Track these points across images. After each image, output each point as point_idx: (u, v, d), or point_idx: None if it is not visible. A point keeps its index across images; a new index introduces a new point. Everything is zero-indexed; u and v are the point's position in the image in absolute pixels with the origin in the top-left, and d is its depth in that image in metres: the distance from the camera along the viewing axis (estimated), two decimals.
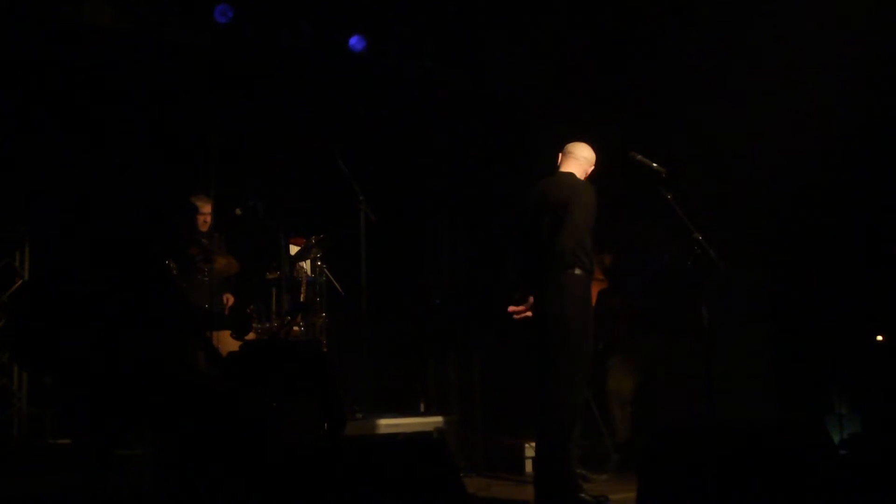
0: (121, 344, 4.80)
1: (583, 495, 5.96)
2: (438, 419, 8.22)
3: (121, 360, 4.76)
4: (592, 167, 6.26)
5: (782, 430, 4.94)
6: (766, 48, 7.75)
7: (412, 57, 9.06)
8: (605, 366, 7.77)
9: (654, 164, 6.04)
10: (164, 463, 4.88)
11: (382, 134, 9.04)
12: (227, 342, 6.99)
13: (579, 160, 6.24)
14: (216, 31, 8.19)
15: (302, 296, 8.10)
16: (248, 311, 7.43)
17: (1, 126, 7.52)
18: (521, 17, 8.41)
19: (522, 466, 7.82)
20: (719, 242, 6.00)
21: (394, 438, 7.58)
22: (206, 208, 7.97)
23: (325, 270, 8.25)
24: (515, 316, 6.06)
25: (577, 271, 5.90)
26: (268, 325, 7.66)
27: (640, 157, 6.09)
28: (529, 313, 5.98)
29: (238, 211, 7.86)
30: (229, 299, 8.22)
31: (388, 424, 7.78)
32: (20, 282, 7.76)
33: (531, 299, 5.99)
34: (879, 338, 7.79)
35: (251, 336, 7.17)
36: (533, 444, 7.34)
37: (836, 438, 7.07)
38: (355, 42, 8.70)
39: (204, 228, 7.99)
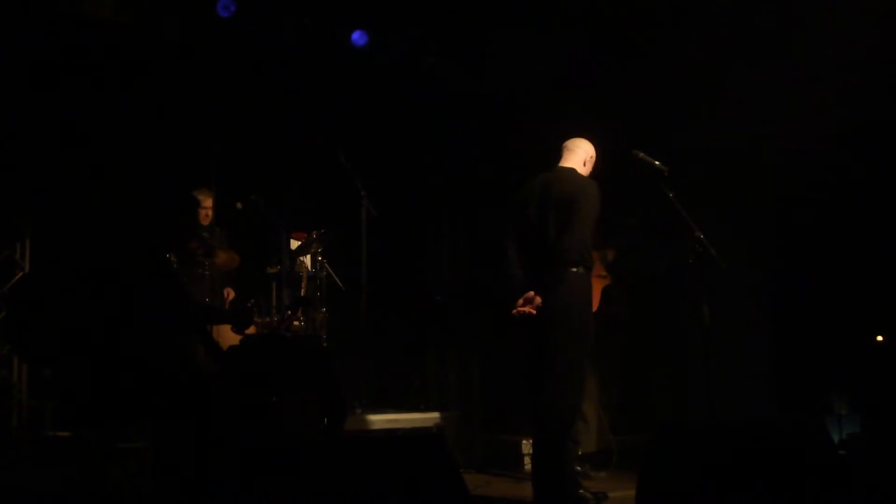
0: (121, 337, 4.80)
1: (582, 492, 5.98)
2: (438, 415, 8.22)
3: (121, 354, 4.77)
4: (593, 162, 6.25)
5: (782, 430, 4.94)
6: (768, 47, 7.74)
7: (414, 53, 9.06)
8: None
9: (657, 163, 6.05)
10: (165, 456, 4.88)
11: (384, 130, 9.04)
12: (227, 336, 6.99)
13: (578, 154, 6.23)
14: (219, 26, 8.18)
15: (302, 291, 8.10)
16: (249, 305, 7.43)
17: (1, 119, 7.51)
18: (524, 15, 8.39)
19: (521, 463, 7.83)
20: (720, 241, 6.01)
21: (393, 434, 7.58)
22: (208, 202, 7.97)
23: (326, 265, 8.25)
24: (516, 310, 6.04)
25: (580, 269, 5.91)
26: (268, 320, 7.65)
27: (642, 154, 6.10)
28: (532, 310, 5.95)
29: (239, 205, 7.86)
30: (230, 294, 8.22)
31: (387, 420, 7.78)
32: (20, 274, 7.76)
33: (533, 296, 5.98)
34: (879, 338, 7.79)
35: (251, 330, 7.18)
36: (531, 441, 7.36)
37: (836, 438, 7.07)
38: (358, 37, 8.69)
39: (205, 222, 7.99)
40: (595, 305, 6.72)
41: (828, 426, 7.09)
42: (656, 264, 7.97)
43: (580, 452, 6.89)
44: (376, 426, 7.62)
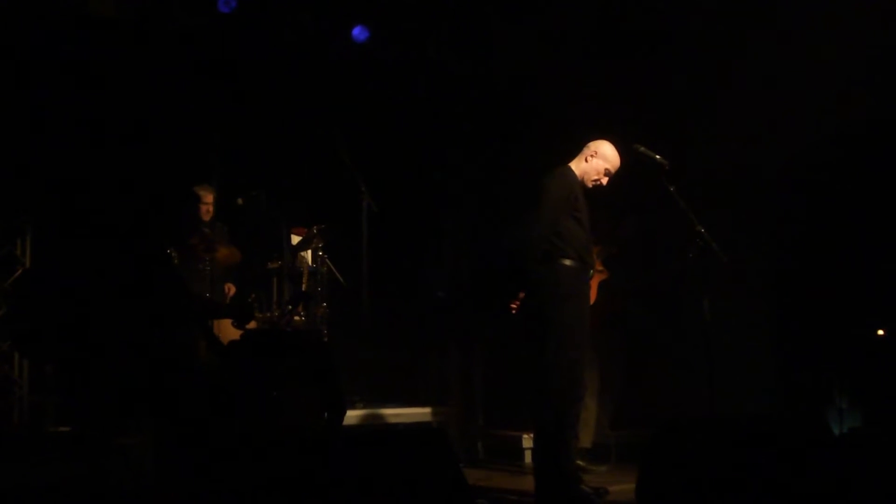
0: (122, 332, 4.81)
1: (583, 487, 5.98)
2: (439, 410, 8.23)
3: (122, 349, 4.77)
4: (595, 157, 6.21)
5: (783, 424, 4.94)
6: (771, 44, 7.73)
7: (416, 47, 9.05)
8: None
9: (658, 157, 6.04)
10: (165, 451, 4.88)
11: (385, 124, 9.04)
12: (228, 331, 7.00)
13: (582, 152, 6.24)
14: (219, 21, 8.18)
15: (303, 285, 8.10)
16: (250, 300, 7.44)
17: (2, 115, 7.51)
18: (526, 6, 8.39)
19: (522, 457, 7.84)
20: (721, 235, 6.00)
21: (394, 428, 7.59)
22: (209, 198, 7.97)
23: (327, 261, 8.25)
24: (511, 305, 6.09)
25: (566, 262, 5.93)
26: (269, 315, 7.66)
27: (643, 148, 6.09)
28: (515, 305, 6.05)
29: (240, 200, 7.86)
30: (231, 289, 8.22)
31: (388, 414, 7.80)
32: (21, 270, 7.77)
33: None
34: (880, 332, 7.78)
35: (252, 325, 7.18)
36: (531, 436, 7.37)
37: (837, 432, 7.07)
38: (358, 32, 8.69)
39: (206, 218, 7.99)
40: (592, 299, 6.73)
41: (829, 420, 7.11)
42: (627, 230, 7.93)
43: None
44: (377, 421, 7.63)
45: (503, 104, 9.15)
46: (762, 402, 7.79)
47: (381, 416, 7.71)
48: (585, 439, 7.36)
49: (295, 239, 8.18)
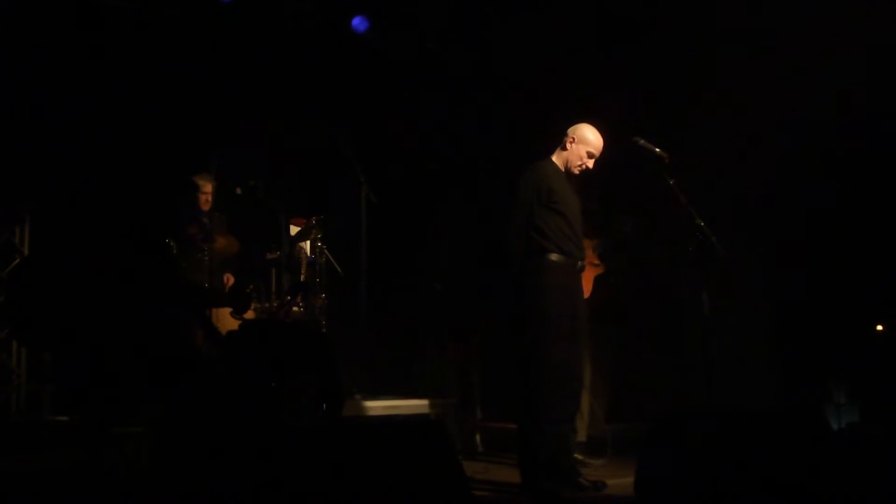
0: (120, 321, 4.80)
1: (581, 480, 5.98)
2: (437, 401, 8.22)
3: (119, 337, 4.76)
4: (575, 143, 6.17)
5: (781, 418, 4.94)
6: (770, 37, 7.72)
7: (415, 38, 9.04)
8: None
9: (657, 150, 6.02)
10: (162, 440, 4.88)
11: (384, 115, 9.03)
12: (226, 321, 6.99)
13: (563, 141, 6.22)
14: (219, 9, 8.17)
15: (302, 276, 8.09)
16: (248, 290, 7.43)
17: (3, 103, 7.50)
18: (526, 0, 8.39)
19: None
20: (720, 229, 5.99)
21: (392, 420, 7.58)
22: (208, 187, 7.96)
23: (325, 251, 8.24)
24: None
25: (551, 256, 5.93)
26: (267, 305, 7.65)
27: (642, 141, 6.06)
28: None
29: (238, 190, 7.84)
30: (229, 279, 8.21)
31: (386, 406, 7.77)
32: (19, 258, 7.76)
33: None
34: (879, 327, 7.79)
35: (250, 315, 7.17)
36: None
37: (835, 427, 7.07)
38: (358, 23, 8.67)
39: (205, 208, 7.98)
40: (587, 293, 6.72)
41: (827, 415, 7.12)
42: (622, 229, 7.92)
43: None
44: (375, 412, 7.61)
45: (503, 96, 9.14)
46: (760, 397, 7.79)
47: (379, 408, 7.69)
48: (580, 432, 7.36)
49: (294, 229, 8.17)
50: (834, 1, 7.17)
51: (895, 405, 7.48)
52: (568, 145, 6.17)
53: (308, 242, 8.26)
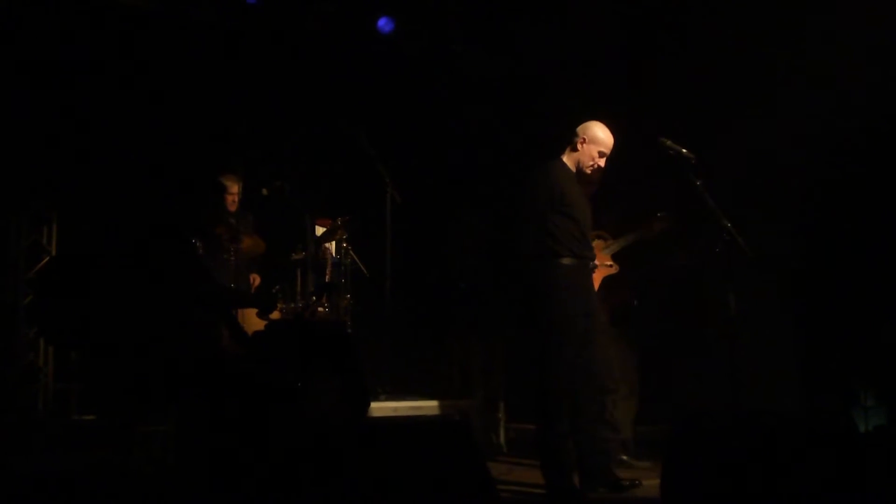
0: (146, 321, 4.82)
1: (616, 480, 5.97)
2: (461, 402, 8.22)
3: (146, 337, 4.79)
4: (584, 143, 6.11)
5: (807, 420, 4.92)
6: (799, 41, 7.69)
7: (439, 39, 9.04)
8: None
9: (684, 150, 5.99)
10: (188, 440, 4.90)
11: (410, 116, 9.04)
12: (252, 321, 7.01)
13: (573, 142, 6.17)
14: (245, 11, 8.20)
15: (327, 277, 8.12)
16: (274, 290, 7.46)
17: (30, 104, 7.55)
18: (551, 1, 8.37)
19: None
20: (748, 230, 5.97)
21: (417, 421, 7.58)
22: (235, 188, 7.99)
23: (351, 252, 8.26)
24: None
25: (564, 260, 5.92)
26: (293, 306, 7.67)
27: (669, 142, 6.04)
28: None
29: (264, 191, 7.88)
30: (256, 279, 8.25)
31: (411, 406, 7.78)
32: (47, 258, 7.81)
33: None
34: None
35: (276, 316, 7.19)
36: None
37: (862, 429, 7.02)
38: (384, 24, 8.69)
39: (233, 208, 8.01)
40: None
41: (854, 417, 7.06)
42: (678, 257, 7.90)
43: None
44: (400, 413, 7.62)
45: (527, 96, 9.13)
46: (786, 398, 7.75)
47: (403, 408, 7.70)
48: (625, 432, 7.36)
49: (319, 230, 8.19)
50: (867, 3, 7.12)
51: None
52: (579, 146, 6.11)
53: (333, 243, 8.29)
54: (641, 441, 7.44)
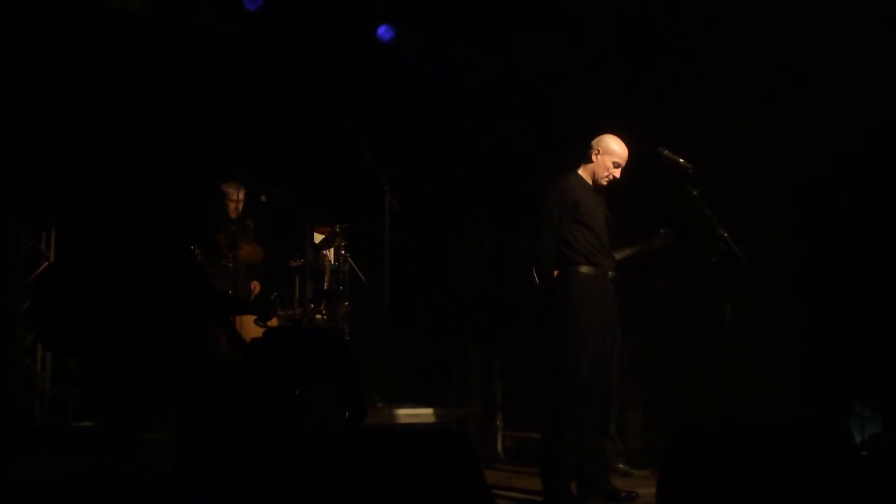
0: (144, 327, 4.83)
1: (613, 490, 5.99)
2: (459, 410, 8.23)
3: (144, 344, 4.79)
4: (599, 155, 6.17)
5: (803, 429, 4.92)
6: (795, 50, 7.71)
7: (439, 47, 9.05)
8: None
9: (681, 161, 6.02)
10: (186, 447, 4.90)
11: (408, 123, 9.04)
12: (250, 328, 7.01)
13: (588, 154, 6.23)
14: (245, 18, 8.20)
15: (325, 284, 8.12)
16: (272, 297, 7.46)
17: (29, 109, 7.55)
18: (551, 8, 8.37)
19: None
20: (744, 240, 5.98)
21: (414, 429, 7.59)
22: (237, 195, 7.98)
23: (349, 259, 8.26)
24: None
25: (581, 269, 5.97)
26: (291, 313, 7.67)
27: (667, 152, 6.07)
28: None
29: (263, 198, 7.88)
30: (256, 286, 8.24)
31: (408, 414, 7.79)
32: (45, 264, 7.81)
33: None
34: None
35: (274, 323, 7.20)
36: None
37: (858, 438, 7.03)
38: (383, 31, 8.69)
39: (234, 216, 8.00)
40: None
41: (850, 426, 7.08)
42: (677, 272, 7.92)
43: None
44: (397, 420, 7.63)
45: (526, 104, 9.14)
46: (783, 408, 7.76)
47: (401, 416, 7.71)
48: (632, 441, 7.39)
49: (318, 237, 8.20)
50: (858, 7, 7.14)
51: None
52: (594, 157, 6.18)
53: (332, 250, 8.29)
54: (639, 450, 7.46)
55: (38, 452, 6.73)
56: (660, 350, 8.20)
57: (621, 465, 7.08)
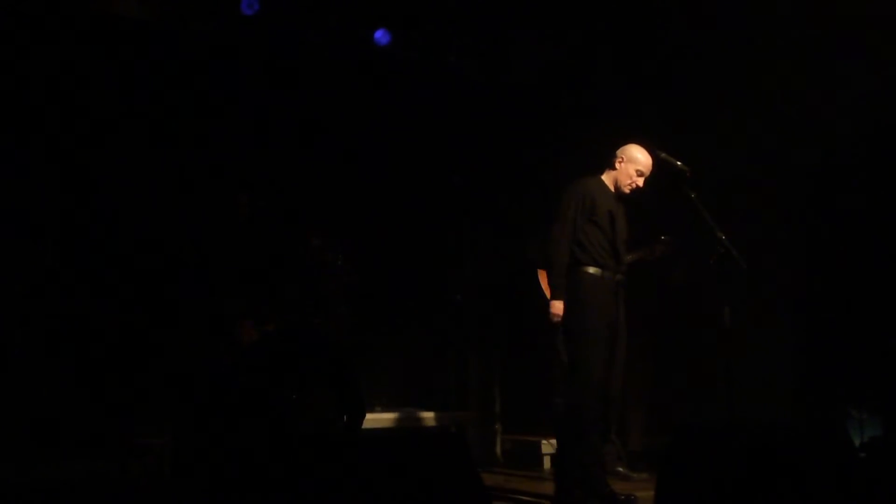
0: (142, 333, 4.84)
1: (613, 493, 5.99)
2: (457, 414, 8.23)
3: (141, 349, 4.80)
4: (623, 162, 6.23)
5: (802, 432, 4.92)
6: (797, 47, 7.71)
7: (436, 52, 9.04)
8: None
9: (679, 163, 6.04)
10: (183, 452, 4.90)
11: (406, 129, 9.03)
12: (247, 332, 6.99)
13: (613, 161, 6.29)
14: (243, 23, 8.19)
15: (323, 288, 8.10)
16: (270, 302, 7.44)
17: (29, 112, 7.55)
18: (546, 13, 8.38)
19: (540, 463, 7.83)
20: (744, 243, 5.98)
21: (412, 432, 7.59)
22: (244, 200, 7.91)
23: (348, 264, 8.25)
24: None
25: (588, 269, 6.01)
26: (288, 317, 7.65)
27: (664, 155, 6.10)
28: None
29: (261, 202, 7.86)
30: None
31: (406, 418, 7.79)
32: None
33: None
34: None
35: (271, 327, 7.19)
36: (550, 441, 7.38)
37: (857, 441, 7.03)
38: (380, 36, 8.69)
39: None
40: None
41: (848, 429, 7.07)
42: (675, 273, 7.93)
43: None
44: (396, 424, 7.63)
45: (523, 110, 9.13)
46: (781, 411, 7.76)
47: (399, 420, 7.71)
48: (634, 443, 7.40)
49: (316, 242, 8.18)
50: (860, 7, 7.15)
51: None
52: (617, 165, 6.25)
53: (330, 254, 8.27)
54: (638, 453, 7.46)
55: (36, 457, 6.73)
56: (660, 353, 8.21)
57: (620, 469, 7.08)
